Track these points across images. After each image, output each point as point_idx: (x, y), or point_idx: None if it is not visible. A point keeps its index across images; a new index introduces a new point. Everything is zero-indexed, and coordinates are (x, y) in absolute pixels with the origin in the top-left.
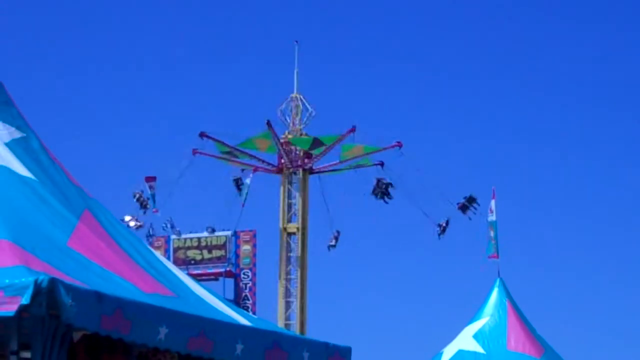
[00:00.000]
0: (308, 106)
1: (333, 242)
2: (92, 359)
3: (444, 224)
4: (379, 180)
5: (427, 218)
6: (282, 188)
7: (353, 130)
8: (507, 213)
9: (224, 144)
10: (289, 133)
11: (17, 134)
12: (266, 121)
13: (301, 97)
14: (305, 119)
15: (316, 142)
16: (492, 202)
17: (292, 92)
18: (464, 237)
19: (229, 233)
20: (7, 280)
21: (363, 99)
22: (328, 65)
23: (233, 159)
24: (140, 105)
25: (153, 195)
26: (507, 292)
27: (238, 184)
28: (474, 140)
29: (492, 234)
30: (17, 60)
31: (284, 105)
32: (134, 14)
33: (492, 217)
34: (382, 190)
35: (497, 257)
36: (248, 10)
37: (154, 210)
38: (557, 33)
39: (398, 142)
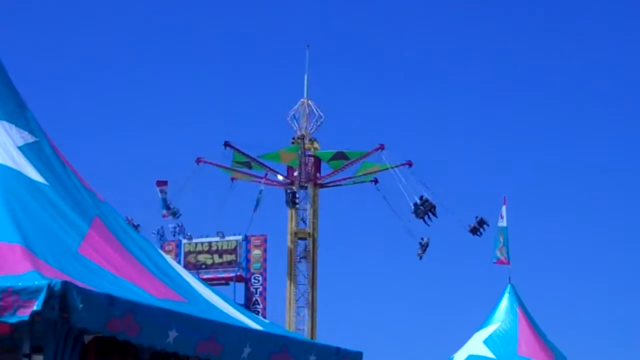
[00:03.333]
0: (317, 111)
1: (420, 252)
2: None
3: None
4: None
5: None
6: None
7: (382, 147)
8: (518, 219)
9: (244, 154)
10: (298, 138)
11: (30, 138)
12: (299, 136)
13: (310, 102)
14: (313, 124)
15: (339, 155)
16: (503, 209)
17: (302, 97)
18: (475, 243)
19: (239, 237)
20: (20, 284)
21: (373, 106)
22: (338, 70)
23: (240, 170)
24: (149, 108)
25: (164, 200)
26: (518, 297)
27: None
28: (484, 149)
29: (501, 239)
30: (32, 64)
31: (293, 110)
32: (142, 17)
33: (503, 223)
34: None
35: (508, 263)
36: (259, 15)
37: (164, 214)
38: (565, 40)
39: (408, 162)
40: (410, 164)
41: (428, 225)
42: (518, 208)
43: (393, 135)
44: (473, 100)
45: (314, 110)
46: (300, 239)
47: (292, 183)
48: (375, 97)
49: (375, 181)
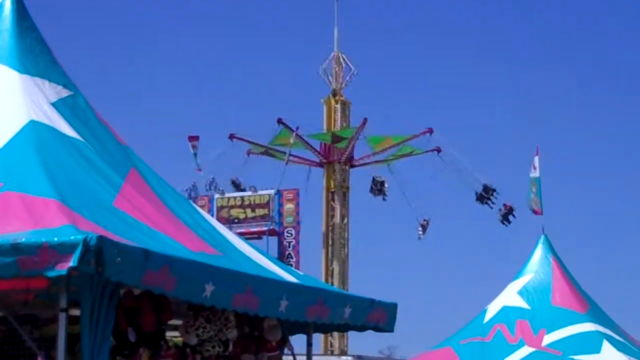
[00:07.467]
0: (350, 64)
1: (421, 232)
2: (158, 316)
3: (425, 223)
4: (374, 179)
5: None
6: (324, 180)
7: (364, 122)
8: (552, 170)
9: (255, 144)
10: (332, 95)
11: (64, 93)
12: (277, 119)
13: (342, 55)
14: (347, 78)
15: (335, 138)
16: (536, 159)
17: (333, 51)
18: (508, 193)
19: (272, 192)
20: (55, 238)
21: (401, 61)
22: (369, 23)
23: (274, 154)
24: (183, 69)
25: (195, 155)
26: (551, 248)
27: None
28: (517, 101)
29: (534, 189)
30: (70, 23)
31: (325, 64)
32: None
33: (535, 174)
34: (378, 189)
35: (541, 213)
36: None
37: (197, 170)
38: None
39: (429, 129)
40: (430, 131)
41: (385, 200)
42: (552, 158)
43: (420, 95)
44: (502, 57)
45: (347, 63)
46: (333, 192)
47: (322, 164)
48: (405, 52)
49: (439, 150)
